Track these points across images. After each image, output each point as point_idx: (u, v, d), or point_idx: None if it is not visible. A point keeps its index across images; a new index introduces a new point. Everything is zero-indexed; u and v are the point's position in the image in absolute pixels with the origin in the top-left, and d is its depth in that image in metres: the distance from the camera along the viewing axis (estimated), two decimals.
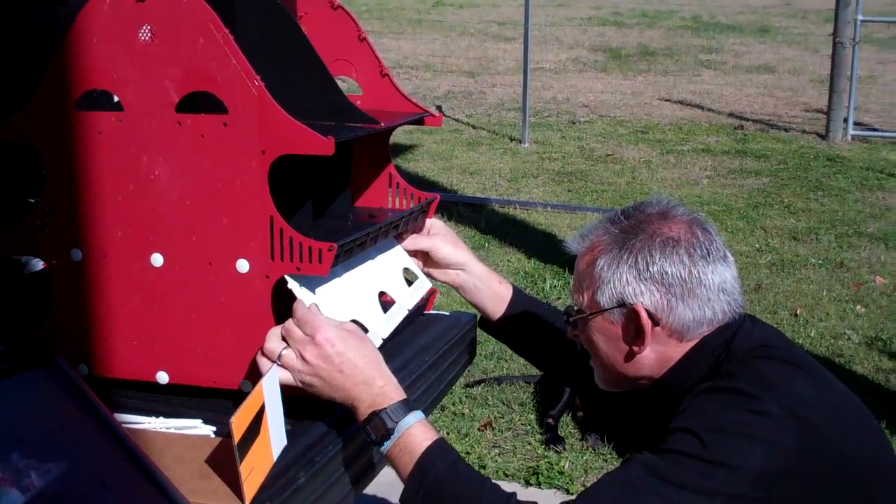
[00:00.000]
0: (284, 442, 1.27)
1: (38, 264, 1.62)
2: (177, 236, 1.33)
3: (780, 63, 11.85)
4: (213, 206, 1.31)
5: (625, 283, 1.38)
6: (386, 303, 1.58)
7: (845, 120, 8.03)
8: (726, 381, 1.33)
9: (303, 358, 1.30)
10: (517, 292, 1.74)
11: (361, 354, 1.31)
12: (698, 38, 13.67)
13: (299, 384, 1.32)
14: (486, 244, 5.29)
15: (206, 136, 1.29)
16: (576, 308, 1.47)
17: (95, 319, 1.38)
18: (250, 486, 1.17)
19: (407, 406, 1.31)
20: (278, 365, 1.30)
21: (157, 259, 1.34)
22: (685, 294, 1.37)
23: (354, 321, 1.42)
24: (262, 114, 1.27)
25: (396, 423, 1.29)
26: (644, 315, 1.37)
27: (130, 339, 1.38)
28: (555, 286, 4.63)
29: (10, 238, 1.41)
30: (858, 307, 4.43)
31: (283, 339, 1.32)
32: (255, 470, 1.18)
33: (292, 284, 1.34)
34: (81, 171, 1.35)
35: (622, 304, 1.39)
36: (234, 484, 1.16)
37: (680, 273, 1.36)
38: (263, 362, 1.31)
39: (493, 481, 1.29)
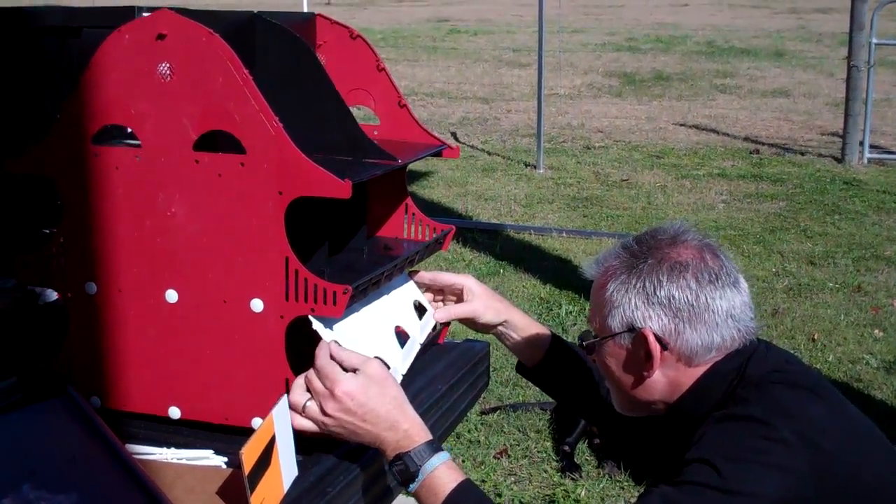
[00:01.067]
0: (295, 472, 1.28)
1: (52, 295, 1.63)
2: (192, 274, 1.34)
3: (795, 87, 11.82)
4: (229, 245, 1.31)
5: (633, 307, 1.39)
6: (400, 335, 1.58)
7: (861, 143, 7.98)
8: (740, 409, 1.33)
9: (324, 412, 1.31)
10: (555, 340, 1.74)
11: (383, 402, 1.32)
12: (713, 63, 13.67)
13: (324, 433, 1.33)
14: (502, 270, 5.29)
15: (224, 175, 1.30)
16: (592, 334, 1.49)
17: (109, 352, 1.39)
18: None
19: (432, 448, 1.32)
20: (302, 416, 1.32)
21: (171, 295, 1.35)
22: (693, 319, 1.37)
23: (377, 358, 1.42)
24: (280, 155, 1.27)
25: (420, 465, 1.31)
26: (652, 339, 1.38)
27: (143, 374, 1.39)
28: (570, 312, 4.62)
29: (25, 269, 1.42)
30: (877, 331, 4.39)
31: (307, 388, 1.33)
32: (265, 501, 1.19)
33: (317, 325, 1.35)
34: (98, 205, 1.36)
35: (631, 329, 1.40)
36: None
37: (687, 298, 1.37)
38: (292, 416, 1.33)
39: None
